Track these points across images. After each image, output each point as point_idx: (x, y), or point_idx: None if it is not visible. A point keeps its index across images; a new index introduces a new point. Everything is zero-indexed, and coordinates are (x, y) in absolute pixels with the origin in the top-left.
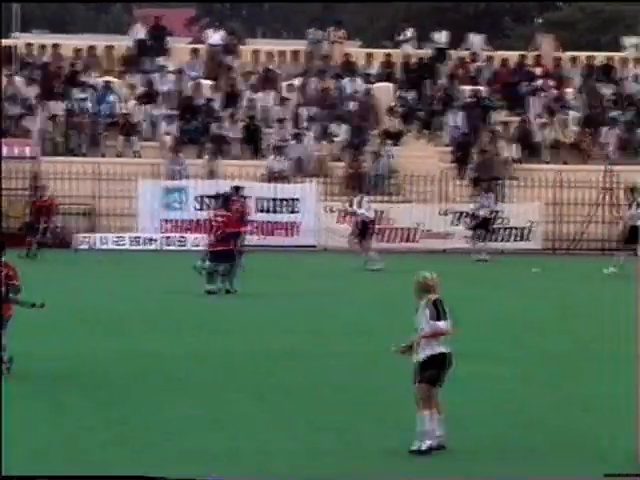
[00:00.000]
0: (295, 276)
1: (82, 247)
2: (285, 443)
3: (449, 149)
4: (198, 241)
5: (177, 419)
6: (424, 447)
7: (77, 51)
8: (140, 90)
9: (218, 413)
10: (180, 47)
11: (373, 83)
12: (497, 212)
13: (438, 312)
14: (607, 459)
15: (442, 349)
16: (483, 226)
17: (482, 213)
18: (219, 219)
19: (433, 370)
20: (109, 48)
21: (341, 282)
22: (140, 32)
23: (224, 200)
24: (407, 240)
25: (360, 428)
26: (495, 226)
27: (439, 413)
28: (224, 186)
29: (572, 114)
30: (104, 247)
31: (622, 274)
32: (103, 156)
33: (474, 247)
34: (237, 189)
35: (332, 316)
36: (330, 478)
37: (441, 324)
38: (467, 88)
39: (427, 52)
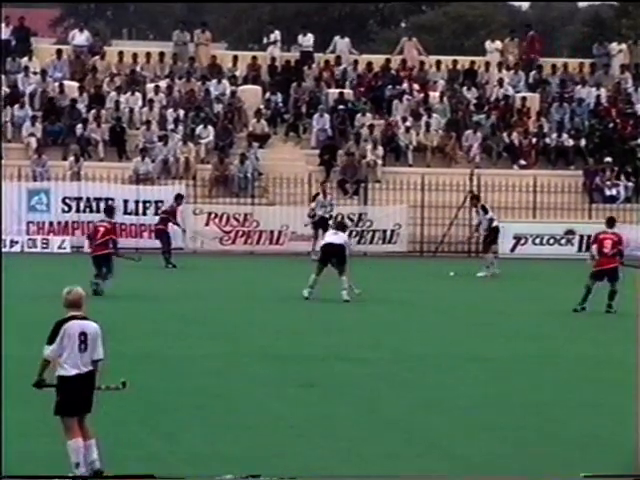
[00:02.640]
0: (164, 280)
1: None
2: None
3: (316, 152)
4: (64, 244)
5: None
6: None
7: None
8: (4, 91)
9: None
10: (44, 48)
11: (239, 85)
12: (332, 213)
13: (52, 335)
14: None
15: (62, 372)
16: (322, 225)
17: (320, 212)
18: (101, 228)
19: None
20: None
21: (212, 285)
22: (4, 32)
23: (108, 210)
24: (273, 242)
25: (196, 432)
26: (360, 229)
27: (89, 439)
28: (89, 188)
29: (436, 117)
30: None
31: (496, 274)
32: None
33: (313, 246)
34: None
35: (197, 321)
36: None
37: (47, 349)
38: (333, 91)
39: (293, 55)
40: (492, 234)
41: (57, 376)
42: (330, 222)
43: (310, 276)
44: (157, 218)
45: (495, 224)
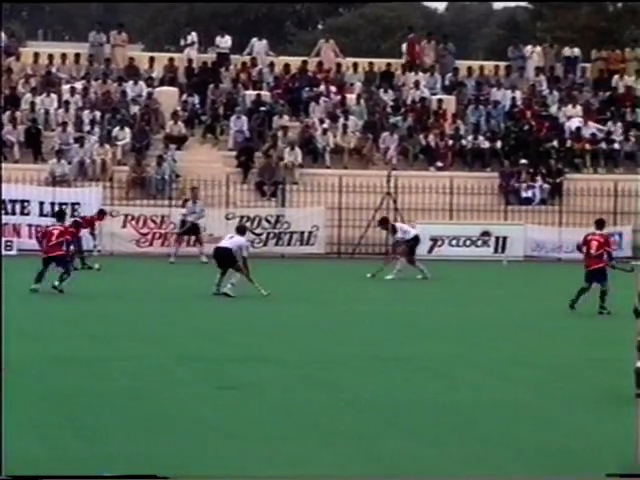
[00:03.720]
0: (82, 281)
1: None
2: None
3: (233, 154)
4: None
5: None
6: None
7: None
8: None
9: None
10: None
11: (156, 87)
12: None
13: None
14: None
15: None
16: (193, 231)
17: (191, 219)
18: (55, 231)
19: None
20: None
21: (129, 286)
22: None
23: (59, 214)
24: (190, 244)
25: (116, 433)
26: (278, 230)
27: None
28: (6, 190)
29: (353, 120)
30: None
31: (401, 277)
32: None
33: (175, 250)
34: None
35: (116, 322)
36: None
37: None
38: (250, 93)
39: (210, 56)
40: (410, 244)
41: None
42: (201, 228)
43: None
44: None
45: (410, 237)
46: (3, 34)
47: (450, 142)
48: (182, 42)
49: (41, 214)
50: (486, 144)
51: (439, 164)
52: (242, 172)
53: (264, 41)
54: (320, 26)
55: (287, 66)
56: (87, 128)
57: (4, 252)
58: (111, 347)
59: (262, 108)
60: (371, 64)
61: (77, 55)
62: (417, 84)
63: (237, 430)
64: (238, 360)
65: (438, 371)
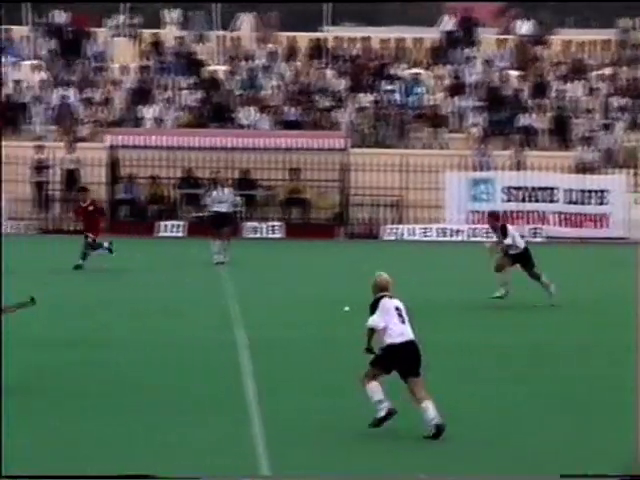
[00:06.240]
0: None
1: (389, 238)
2: None
3: None
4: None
5: None
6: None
7: (385, 43)
8: (448, 81)
9: None
10: (487, 38)
11: None
12: None
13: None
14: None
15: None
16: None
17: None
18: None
19: None
20: (417, 40)
21: None
22: (449, 24)
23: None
24: None
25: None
26: None
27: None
28: (531, 177)
29: None
30: (411, 238)
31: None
32: (410, 147)
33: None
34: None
35: None
36: None
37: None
38: None
39: None
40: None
41: None
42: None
43: None
44: (600, 207)
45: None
46: (533, 22)
47: None
48: None
49: (568, 201)
50: None
51: None
52: None
53: None
54: None
55: None
56: (614, 115)
57: (531, 239)
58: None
59: None
60: None
61: (606, 41)
62: None
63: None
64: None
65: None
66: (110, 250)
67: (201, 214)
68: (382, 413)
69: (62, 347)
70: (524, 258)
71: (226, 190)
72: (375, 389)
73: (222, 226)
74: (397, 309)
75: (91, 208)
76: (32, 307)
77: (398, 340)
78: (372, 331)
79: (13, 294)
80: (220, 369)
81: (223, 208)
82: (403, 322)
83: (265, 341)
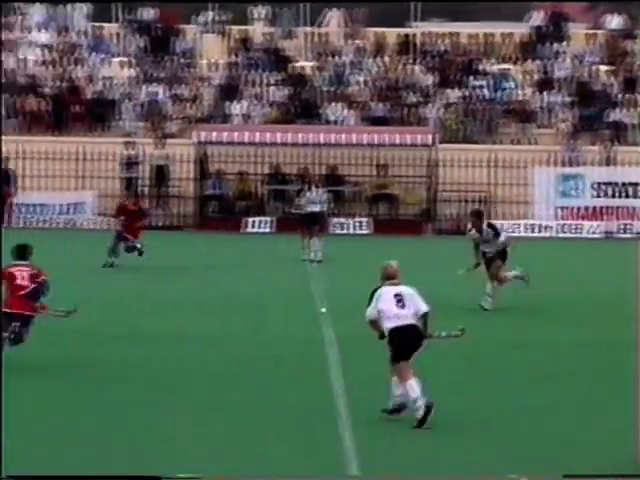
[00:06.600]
0: None
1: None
2: None
3: None
4: (594, 229)
5: None
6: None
7: (474, 38)
8: (537, 76)
9: None
10: (577, 33)
11: None
12: None
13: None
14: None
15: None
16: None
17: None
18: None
19: None
20: (506, 35)
21: None
22: (538, 19)
23: None
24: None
25: None
26: None
27: None
28: (621, 173)
29: None
30: None
31: None
32: (498, 143)
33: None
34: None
35: None
36: None
37: None
38: None
39: None
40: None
41: None
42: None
43: None
44: None
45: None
46: (623, 16)
47: None
48: None
49: None
50: None
51: None
52: None
53: None
54: None
55: None
56: None
57: (621, 235)
58: None
59: None
60: None
61: None
62: None
63: None
64: None
65: None
66: (140, 253)
67: (295, 211)
68: (421, 412)
69: (152, 341)
70: (505, 253)
71: (320, 190)
72: (414, 386)
73: (313, 224)
74: (397, 295)
75: (133, 208)
76: (74, 314)
77: (395, 324)
78: (371, 322)
79: (106, 288)
80: (307, 365)
81: (316, 208)
82: (402, 307)
83: (353, 336)
